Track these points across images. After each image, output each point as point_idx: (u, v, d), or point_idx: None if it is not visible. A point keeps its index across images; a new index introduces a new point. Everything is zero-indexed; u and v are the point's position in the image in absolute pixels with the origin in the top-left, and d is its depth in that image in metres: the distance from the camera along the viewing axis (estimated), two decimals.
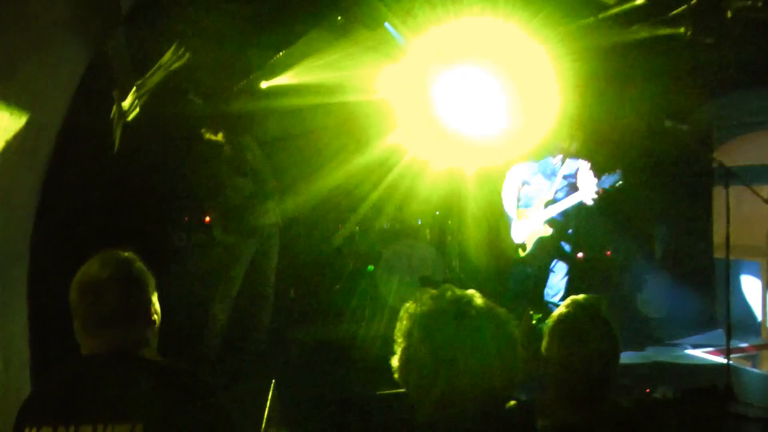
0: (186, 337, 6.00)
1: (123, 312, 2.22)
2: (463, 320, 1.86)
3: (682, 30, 5.60)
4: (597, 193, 6.06)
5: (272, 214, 6.36)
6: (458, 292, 1.94)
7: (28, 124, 3.09)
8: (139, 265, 2.33)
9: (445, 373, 1.81)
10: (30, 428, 2.06)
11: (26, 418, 2.12)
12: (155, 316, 2.33)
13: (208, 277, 6.24)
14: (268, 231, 6.32)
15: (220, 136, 6.06)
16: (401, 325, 1.94)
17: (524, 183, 6.54)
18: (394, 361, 1.93)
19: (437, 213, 8.03)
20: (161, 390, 2.13)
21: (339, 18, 4.51)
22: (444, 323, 1.86)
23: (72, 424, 2.05)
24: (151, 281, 2.34)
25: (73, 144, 3.72)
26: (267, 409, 3.02)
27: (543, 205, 6.38)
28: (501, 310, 1.92)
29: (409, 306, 1.95)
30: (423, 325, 1.88)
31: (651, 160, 7.88)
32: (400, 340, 1.93)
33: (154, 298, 2.34)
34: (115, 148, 4.63)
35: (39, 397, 2.22)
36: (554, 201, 6.38)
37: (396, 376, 1.93)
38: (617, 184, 5.99)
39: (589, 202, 6.12)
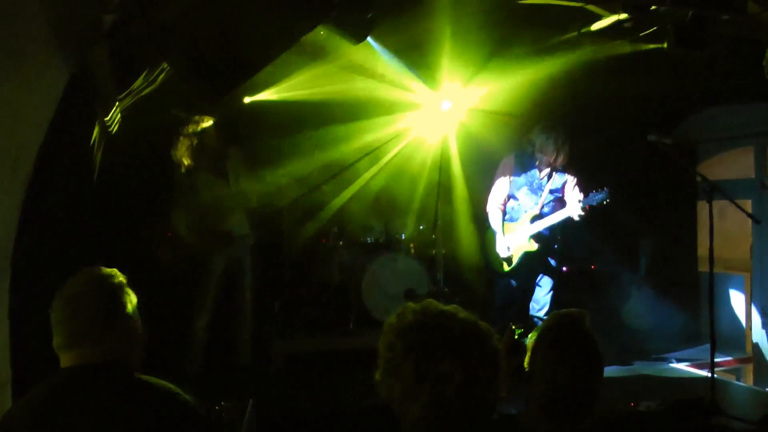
0: (169, 352, 5.98)
1: (101, 326, 2.23)
2: (446, 334, 1.86)
3: (665, 45, 5.64)
4: (584, 209, 6.06)
5: (245, 226, 6.29)
6: (441, 306, 1.94)
7: (9, 140, 3.07)
8: (121, 281, 2.35)
9: (428, 387, 1.81)
10: None
11: None
12: (134, 332, 2.33)
13: (187, 290, 6.17)
14: (240, 242, 6.24)
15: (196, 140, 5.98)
16: (384, 339, 1.94)
17: (510, 197, 6.52)
18: (378, 375, 1.93)
19: (421, 227, 8.04)
20: (138, 403, 2.17)
21: (321, 33, 4.52)
22: (427, 337, 1.86)
23: None
24: (132, 297, 2.35)
25: (55, 159, 3.70)
26: (244, 426, 3.02)
27: (529, 220, 6.39)
28: (483, 324, 1.93)
29: (392, 320, 1.95)
30: (406, 338, 1.88)
31: (635, 174, 7.92)
32: (383, 353, 1.93)
33: (135, 314, 2.35)
34: (95, 174, 4.60)
35: (18, 412, 2.21)
36: (540, 215, 6.39)
37: (379, 389, 1.93)
38: (604, 202, 5.99)
39: (576, 218, 6.13)
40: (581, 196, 6.24)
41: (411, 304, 1.96)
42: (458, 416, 1.81)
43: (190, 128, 5.91)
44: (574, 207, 6.12)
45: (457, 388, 1.80)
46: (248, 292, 6.34)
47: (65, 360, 2.25)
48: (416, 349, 1.85)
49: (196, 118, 5.94)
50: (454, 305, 1.97)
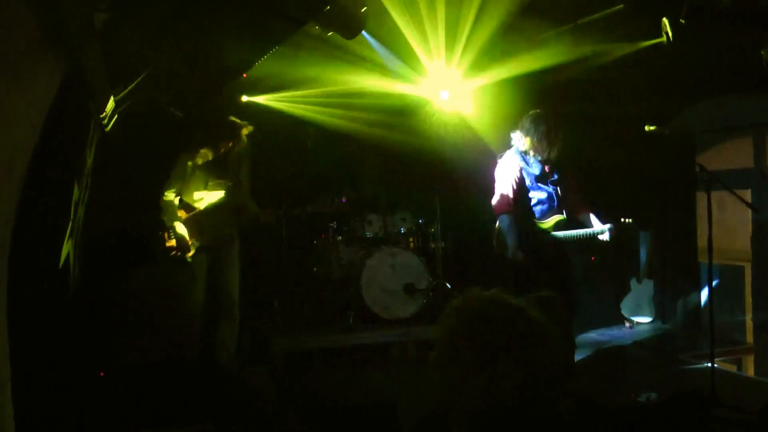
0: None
1: None
2: (512, 330, 1.80)
3: (663, 39, 5.62)
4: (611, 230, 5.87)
5: (227, 228, 6.22)
6: (510, 299, 1.88)
7: (3, 140, 3.07)
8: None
9: (485, 380, 1.75)
10: None
11: None
12: None
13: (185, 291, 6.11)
14: (223, 244, 6.15)
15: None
16: (447, 321, 1.87)
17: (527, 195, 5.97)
18: (434, 357, 1.87)
19: (420, 221, 8.04)
20: None
21: (316, 27, 4.51)
22: (492, 329, 1.80)
23: None
24: None
25: (50, 159, 3.71)
26: None
27: (553, 225, 5.88)
28: (551, 327, 1.86)
29: (457, 303, 1.89)
30: (470, 325, 1.82)
31: (634, 165, 7.91)
32: (443, 336, 1.86)
33: None
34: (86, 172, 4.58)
35: None
36: (566, 222, 5.91)
37: (432, 374, 1.85)
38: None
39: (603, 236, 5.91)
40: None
41: (477, 290, 1.91)
42: (511, 414, 1.76)
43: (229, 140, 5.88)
44: (597, 223, 5.90)
45: (514, 386, 1.74)
46: (234, 291, 6.14)
47: None
48: (479, 339, 1.79)
49: (240, 125, 5.90)
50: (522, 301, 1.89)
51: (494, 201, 5.95)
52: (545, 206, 5.88)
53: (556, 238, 5.82)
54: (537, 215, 5.88)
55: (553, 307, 2.52)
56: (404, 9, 5.84)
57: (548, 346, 1.83)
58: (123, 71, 4.25)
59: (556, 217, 5.86)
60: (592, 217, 5.95)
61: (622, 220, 5.81)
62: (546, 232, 5.82)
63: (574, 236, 5.87)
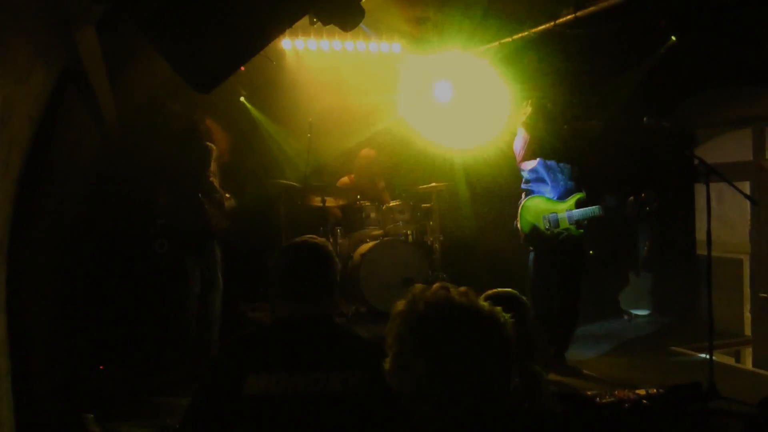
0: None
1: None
2: (462, 329, 1.75)
3: (673, 39, 5.60)
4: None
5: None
6: (453, 292, 1.81)
7: None
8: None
9: (441, 386, 1.72)
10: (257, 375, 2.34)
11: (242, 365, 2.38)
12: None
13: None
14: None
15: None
16: (393, 327, 1.82)
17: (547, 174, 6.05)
18: (387, 365, 1.81)
19: (418, 214, 8.00)
20: (364, 347, 2.57)
21: (314, 19, 4.48)
22: (442, 333, 1.74)
23: (304, 371, 2.38)
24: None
25: (47, 154, 3.70)
26: None
27: (574, 203, 5.98)
28: (498, 311, 1.81)
29: (401, 307, 1.83)
30: (418, 332, 1.76)
31: (633, 158, 7.91)
32: (392, 344, 1.81)
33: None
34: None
35: (251, 348, 2.47)
36: (583, 201, 5.95)
37: (389, 380, 1.81)
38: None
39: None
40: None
41: (419, 289, 1.84)
42: (471, 412, 1.72)
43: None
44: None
45: (472, 384, 1.71)
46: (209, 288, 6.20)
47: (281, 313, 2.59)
48: (430, 345, 1.73)
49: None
50: (465, 287, 1.84)
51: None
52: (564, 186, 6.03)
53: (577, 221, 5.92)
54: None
55: (514, 305, 2.50)
56: None
57: (501, 337, 1.78)
58: (122, 64, 4.24)
59: (576, 195, 5.98)
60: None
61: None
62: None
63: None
